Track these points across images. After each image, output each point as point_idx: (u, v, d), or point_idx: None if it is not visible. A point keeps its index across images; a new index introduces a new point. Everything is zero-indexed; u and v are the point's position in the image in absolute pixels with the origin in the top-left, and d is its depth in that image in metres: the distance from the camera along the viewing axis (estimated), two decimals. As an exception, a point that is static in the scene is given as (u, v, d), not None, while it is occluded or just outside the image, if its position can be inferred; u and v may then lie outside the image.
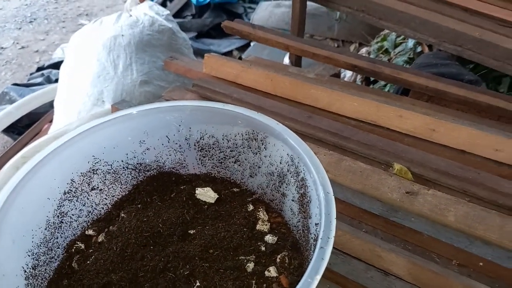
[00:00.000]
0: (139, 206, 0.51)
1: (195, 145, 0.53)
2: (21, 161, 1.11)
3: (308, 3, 1.09)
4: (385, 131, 0.72)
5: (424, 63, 0.93)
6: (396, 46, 1.74)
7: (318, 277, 0.30)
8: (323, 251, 0.32)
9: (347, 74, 1.58)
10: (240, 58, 1.85)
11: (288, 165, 0.46)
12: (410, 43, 1.55)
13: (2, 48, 2.39)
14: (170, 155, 0.53)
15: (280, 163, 0.47)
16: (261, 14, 2.25)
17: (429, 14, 0.91)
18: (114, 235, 0.47)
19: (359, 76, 1.59)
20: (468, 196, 0.59)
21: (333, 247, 0.51)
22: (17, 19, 2.68)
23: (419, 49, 1.46)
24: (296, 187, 0.46)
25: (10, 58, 2.31)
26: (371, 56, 1.77)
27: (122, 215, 0.50)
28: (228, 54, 2.22)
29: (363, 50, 1.87)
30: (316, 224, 0.38)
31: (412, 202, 0.57)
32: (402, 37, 1.60)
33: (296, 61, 1.05)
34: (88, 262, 0.45)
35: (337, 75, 1.06)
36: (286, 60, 1.33)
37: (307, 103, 0.77)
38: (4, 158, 1.33)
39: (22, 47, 2.41)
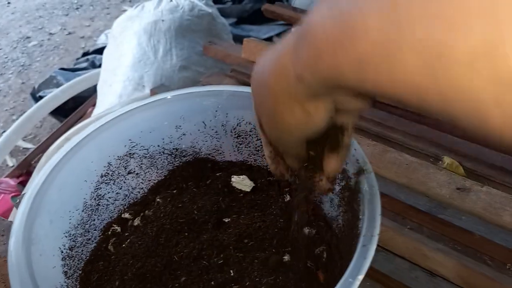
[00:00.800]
0: (174, 191, 0.50)
1: (231, 132, 0.51)
2: (65, 142, 1.14)
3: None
4: (434, 121, 0.67)
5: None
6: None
7: (361, 277, 0.28)
8: (366, 250, 0.30)
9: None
10: (279, 44, 1.81)
11: (330, 155, 0.43)
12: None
13: (50, 33, 2.49)
14: (206, 141, 0.52)
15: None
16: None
17: None
18: (150, 219, 0.47)
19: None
20: (527, 195, 0.54)
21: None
22: (64, 6, 2.77)
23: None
24: (337, 178, 0.43)
25: (58, 43, 2.40)
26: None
27: (158, 200, 0.50)
28: (268, 40, 2.19)
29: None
30: (359, 218, 0.35)
31: (463, 199, 0.53)
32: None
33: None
34: (123, 245, 0.45)
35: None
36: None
37: (349, 90, 0.73)
38: (51, 139, 1.39)
39: (69, 33, 2.49)
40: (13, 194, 1.17)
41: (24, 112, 1.98)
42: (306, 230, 0.45)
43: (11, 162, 1.58)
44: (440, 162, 0.59)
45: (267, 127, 0.29)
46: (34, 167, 1.21)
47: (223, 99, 0.48)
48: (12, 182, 1.20)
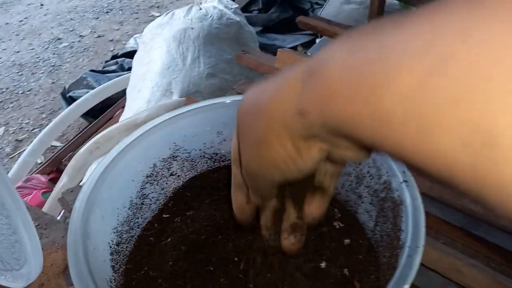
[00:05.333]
0: (213, 195, 0.52)
1: (270, 139, 0.53)
2: (94, 146, 1.18)
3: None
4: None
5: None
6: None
7: (407, 287, 0.29)
8: (411, 260, 0.31)
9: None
10: (305, 53, 1.82)
11: (369, 167, 0.44)
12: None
13: (81, 36, 2.57)
14: (245, 147, 0.54)
15: (360, 163, 0.46)
16: (329, 10, 2.20)
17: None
18: (190, 220, 0.49)
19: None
20: None
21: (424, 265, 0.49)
22: (95, 9, 2.86)
23: None
24: (376, 190, 0.44)
25: (88, 46, 2.47)
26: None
27: (196, 202, 0.51)
28: (293, 49, 2.20)
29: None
30: (400, 230, 0.36)
31: (497, 215, 0.53)
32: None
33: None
34: (163, 243, 0.46)
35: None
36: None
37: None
38: (80, 139, 1.43)
39: (99, 36, 2.56)
40: (43, 190, 1.21)
41: (53, 111, 2.04)
42: (343, 239, 0.46)
43: (39, 159, 1.63)
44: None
45: (247, 158, 0.26)
46: (64, 165, 1.24)
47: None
48: (43, 178, 1.24)
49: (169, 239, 0.47)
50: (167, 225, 0.49)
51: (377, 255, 0.43)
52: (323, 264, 0.43)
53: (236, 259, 0.45)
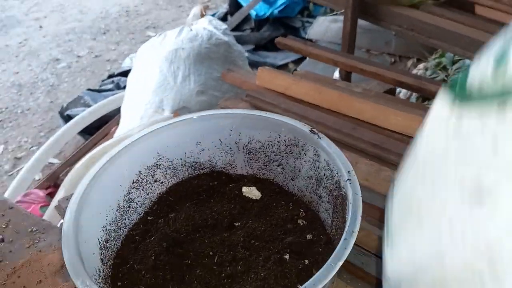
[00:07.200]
0: (193, 199, 0.58)
1: (243, 149, 0.60)
2: (90, 161, 1.24)
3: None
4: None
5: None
6: (454, 63, 1.71)
7: (340, 263, 0.35)
8: (347, 242, 0.37)
9: (403, 91, 1.58)
10: (295, 70, 1.91)
11: (325, 170, 0.51)
12: (469, 60, 1.52)
13: (78, 56, 2.65)
14: (221, 156, 0.60)
15: (318, 167, 0.53)
16: (317, 29, 2.30)
17: (480, 33, 0.91)
18: (171, 221, 0.55)
19: (414, 94, 1.58)
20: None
21: (368, 250, 0.56)
22: (92, 30, 2.95)
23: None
24: (331, 189, 0.50)
25: (85, 65, 2.55)
26: (428, 72, 1.75)
27: (178, 206, 0.58)
28: (284, 66, 2.29)
29: (421, 66, 1.85)
30: (346, 221, 0.43)
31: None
32: (459, 54, 1.57)
33: (346, 76, 1.09)
34: (147, 241, 0.53)
35: (392, 92, 1.08)
36: (336, 75, 1.38)
37: (352, 115, 0.81)
38: (77, 155, 1.49)
39: (96, 56, 2.65)
40: (42, 204, 1.27)
41: (51, 129, 2.11)
42: (306, 234, 0.52)
43: (37, 176, 1.69)
44: (429, 181, 0.65)
45: None
46: (62, 180, 1.31)
47: (237, 120, 0.57)
48: (41, 193, 1.30)
49: (152, 238, 0.53)
50: (152, 226, 0.56)
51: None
52: (287, 256, 0.50)
53: (211, 253, 0.51)
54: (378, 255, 0.56)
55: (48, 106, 2.23)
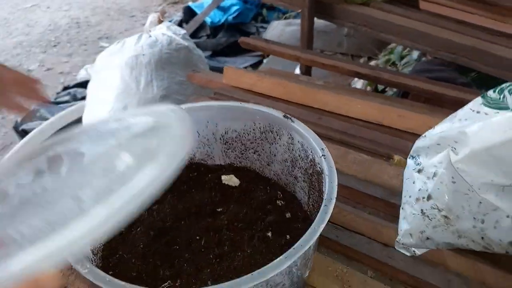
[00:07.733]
0: (174, 191, 0.60)
1: (220, 139, 0.62)
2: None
3: (317, 21, 1.19)
4: (388, 129, 0.81)
5: (421, 69, 1.02)
6: (402, 58, 1.83)
7: (322, 226, 0.39)
8: (327, 208, 0.41)
9: (358, 86, 1.67)
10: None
11: (299, 151, 0.55)
12: (415, 55, 1.64)
13: (29, 70, 2.56)
14: (199, 148, 0.63)
15: (293, 150, 0.56)
16: (272, 33, 2.36)
17: (426, 26, 1.00)
18: (156, 212, 0.56)
19: (368, 87, 1.67)
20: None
21: (341, 226, 0.60)
22: (41, 44, 2.86)
23: (423, 59, 1.55)
24: (306, 168, 0.54)
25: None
26: (379, 68, 1.86)
27: (160, 197, 0.59)
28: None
29: (372, 63, 1.96)
30: (323, 193, 0.46)
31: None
32: (407, 49, 1.69)
33: (306, 71, 1.15)
34: (135, 231, 0.54)
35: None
36: (297, 71, 1.44)
37: (316, 106, 0.86)
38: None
39: (48, 69, 2.57)
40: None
41: (5, 146, 2.02)
42: (285, 213, 0.56)
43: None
44: (391, 159, 0.71)
45: None
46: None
47: (213, 112, 0.60)
48: None
49: (138, 229, 0.55)
50: (137, 218, 0.57)
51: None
52: (269, 234, 0.53)
53: (197, 238, 0.53)
54: (351, 229, 0.60)
55: (0, 123, 2.13)
